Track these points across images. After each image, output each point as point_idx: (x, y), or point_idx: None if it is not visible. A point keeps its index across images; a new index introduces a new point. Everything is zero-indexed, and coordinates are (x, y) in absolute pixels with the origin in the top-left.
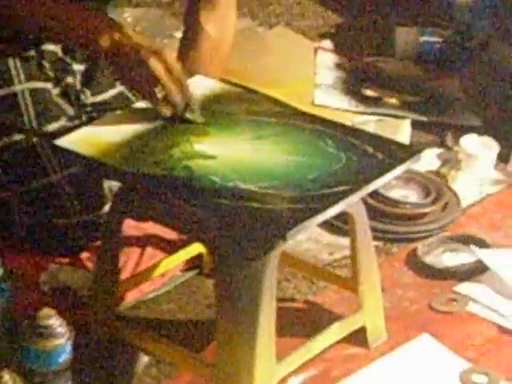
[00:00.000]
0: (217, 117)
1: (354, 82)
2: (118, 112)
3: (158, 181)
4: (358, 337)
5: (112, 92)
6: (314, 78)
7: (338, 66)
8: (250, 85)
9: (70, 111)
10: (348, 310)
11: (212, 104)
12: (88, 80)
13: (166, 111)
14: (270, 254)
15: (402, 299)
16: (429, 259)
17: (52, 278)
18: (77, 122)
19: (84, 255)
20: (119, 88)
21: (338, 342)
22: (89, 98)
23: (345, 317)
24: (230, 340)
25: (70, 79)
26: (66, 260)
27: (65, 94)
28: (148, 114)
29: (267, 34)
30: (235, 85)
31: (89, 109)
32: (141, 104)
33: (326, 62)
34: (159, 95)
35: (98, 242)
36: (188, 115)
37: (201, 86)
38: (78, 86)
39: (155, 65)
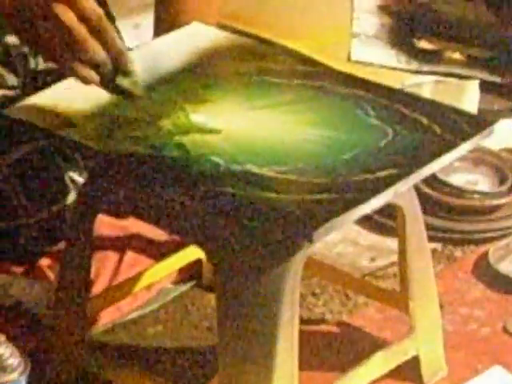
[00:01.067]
0: (219, 77)
1: (403, 31)
2: None
3: (142, 163)
4: (409, 370)
5: None
6: (349, 24)
7: (382, 8)
8: (263, 34)
9: (12, 80)
10: (395, 334)
11: (213, 60)
12: None
13: (92, 76)
14: (291, 260)
15: (468, 320)
16: (504, 267)
17: (1, 292)
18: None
19: (43, 262)
20: None
21: (383, 378)
22: (40, 64)
23: (391, 343)
24: (238, 376)
25: (12, 38)
26: (20, 269)
27: (6, 59)
28: None
29: None
30: (244, 34)
31: (39, 78)
32: None
33: (365, 4)
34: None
35: (62, 245)
36: (120, 81)
37: (197, 35)
38: (25, 48)
39: (64, 12)
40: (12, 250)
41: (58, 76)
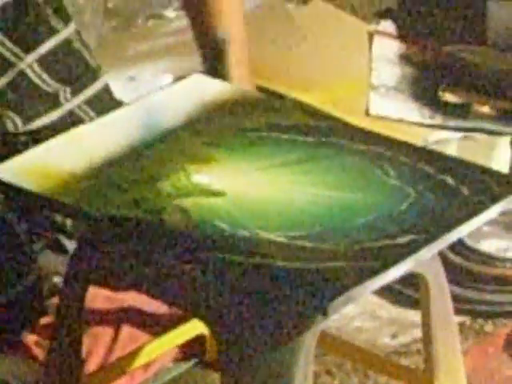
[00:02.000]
0: (224, 134)
1: (427, 82)
2: (78, 127)
3: (139, 228)
4: None
5: (55, 114)
6: (368, 75)
7: (404, 57)
8: (274, 86)
9: None
10: None
11: (217, 115)
12: (15, 101)
13: None
14: (303, 336)
15: None
16: None
17: None
18: None
19: (29, 339)
20: (67, 106)
21: None
22: (19, 127)
23: None
24: None
25: None
26: (5, 346)
27: None
28: (123, 129)
29: (300, 11)
30: (253, 87)
31: (22, 139)
32: (113, 115)
33: (385, 52)
34: None
35: (49, 319)
36: None
37: (200, 88)
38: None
39: None
40: None
41: (37, 138)
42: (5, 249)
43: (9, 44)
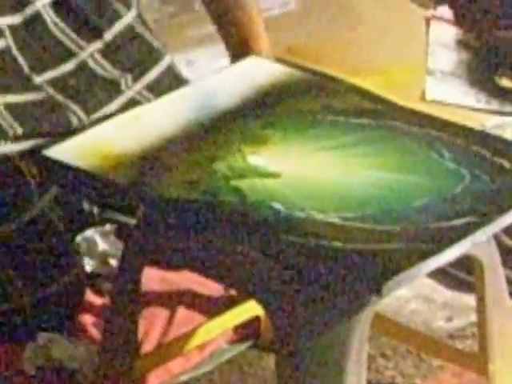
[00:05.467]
0: (280, 116)
1: (483, 67)
2: (134, 109)
3: (195, 209)
4: None
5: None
6: (425, 60)
7: (460, 43)
8: (330, 70)
9: None
10: None
11: (273, 97)
12: (76, 92)
13: None
14: (357, 317)
15: None
16: None
17: (41, 353)
18: None
19: (86, 319)
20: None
21: None
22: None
23: None
24: None
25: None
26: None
27: None
28: (179, 111)
29: None
30: (308, 70)
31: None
32: (169, 96)
33: (442, 37)
34: None
35: (105, 300)
36: None
37: (256, 71)
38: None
39: None
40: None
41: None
42: (47, 246)
43: (71, 33)
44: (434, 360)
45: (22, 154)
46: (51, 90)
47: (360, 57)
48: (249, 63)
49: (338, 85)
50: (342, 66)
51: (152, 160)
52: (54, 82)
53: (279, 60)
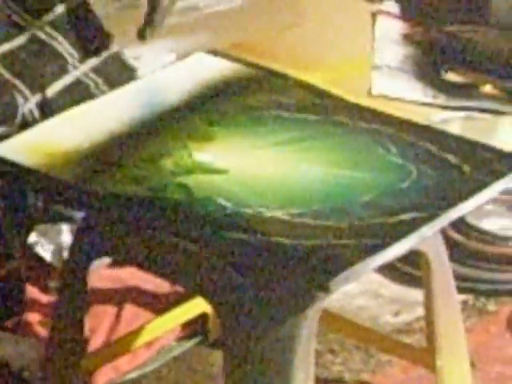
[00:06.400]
0: (226, 113)
1: (430, 62)
2: (80, 106)
3: (141, 206)
4: None
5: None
6: (371, 55)
7: (407, 38)
8: (276, 65)
9: None
10: None
11: (219, 94)
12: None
13: None
14: (304, 313)
15: (503, 380)
16: None
17: None
18: None
19: (32, 317)
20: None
21: None
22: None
23: None
24: None
25: None
26: (7, 324)
27: None
28: (126, 107)
29: None
30: (254, 66)
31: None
32: (116, 93)
33: (388, 32)
34: None
35: (52, 297)
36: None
37: (202, 67)
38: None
39: None
40: None
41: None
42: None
43: (17, 9)
44: (382, 355)
45: None
46: (1, 68)
47: (307, 52)
48: (196, 59)
49: (284, 80)
50: (289, 62)
51: (99, 157)
52: (3, 58)
53: (225, 56)
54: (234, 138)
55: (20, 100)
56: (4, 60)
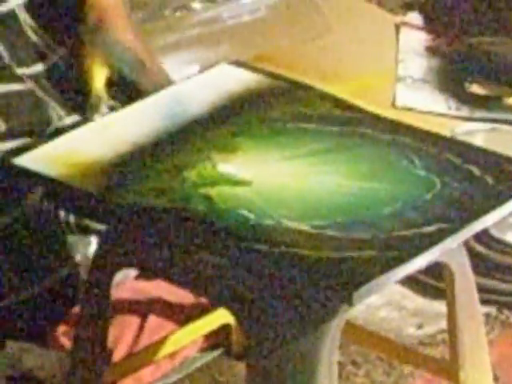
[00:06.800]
0: (250, 124)
1: (453, 74)
2: (105, 116)
3: (165, 217)
4: None
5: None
6: (395, 67)
7: (431, 49)
8: (300, 77)
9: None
10: None
11: (243, 105)
12: None
13: None
14: (328, 325)
15: None
16: None
17: (11, 362)
18: None
19: (58, 329)
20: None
21: None
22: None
23: None
24: None
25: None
26: (33, 336)
27: None
28: (149, 118)
29: (327, 3)
30: (278, 77)
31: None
32: (140, 103)
33: (412, 44)
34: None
35: (76, 309)
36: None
37: (226, 78)
38: None
39: None
40: (18, 327)
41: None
42: (40, 238)
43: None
44: (404, 367)
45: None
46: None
47: (330, 64)
48: (219, 70)
49: (308, 92)
50: (313, 73)
51: (122, 168)
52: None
53: (249, 67)
54: (257, 150)
55: (54, 116)
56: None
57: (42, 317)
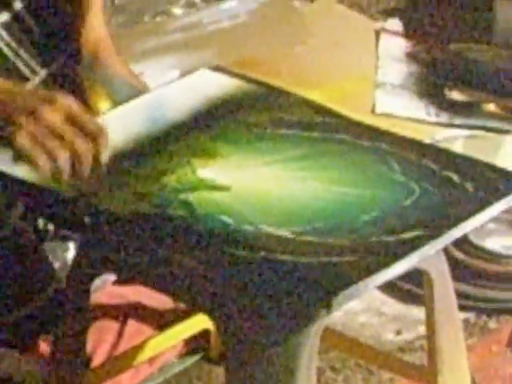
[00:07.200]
0: (229, 130)
1: (433, 81)
2: None
3: (144, 222)
4: None
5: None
6: (374, 73)
7: (411, 56)
8: (279, 83)
9: None
10: None
11: (223, 110)
12: None
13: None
14: (307, 331)
15: None
16: None
17: None
18: None
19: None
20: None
21: None
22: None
23: None
24: None
25: None
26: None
27: None
28: (129, 123)
29: (307, 9)
30: (258, 83)
31: None
32: (119, 109)
33: (392, 50)
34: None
35: None
36: None
37: (206, 83)
38: None
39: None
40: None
41: None
42: (22, 261)
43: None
44: (383, 373)
45: None
46: None
47: (310, 69)
48: (199, 75)
49: (287, 97)
50: (292, 79)
51: (99, 174)
52: None
53: (229, 72)
54: (236, 155)
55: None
56: None
57: (29, 333)
